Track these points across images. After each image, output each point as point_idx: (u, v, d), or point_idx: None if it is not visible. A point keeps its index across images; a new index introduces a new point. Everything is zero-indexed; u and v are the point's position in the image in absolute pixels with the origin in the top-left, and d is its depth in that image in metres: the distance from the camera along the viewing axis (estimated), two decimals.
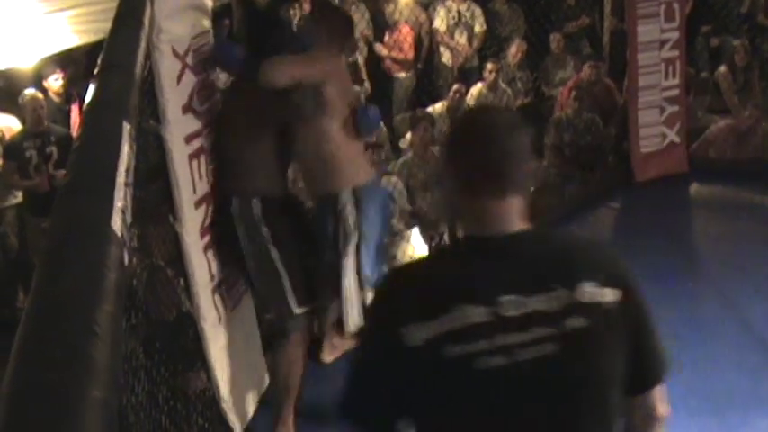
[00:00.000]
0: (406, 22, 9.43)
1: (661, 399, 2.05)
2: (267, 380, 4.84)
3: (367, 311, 1.94)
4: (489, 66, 8.84)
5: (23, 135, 6.99)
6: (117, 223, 1.80)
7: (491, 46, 9.69)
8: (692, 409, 4.42)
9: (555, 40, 9.34)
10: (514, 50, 9.39)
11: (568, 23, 9.71)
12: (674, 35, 8.01)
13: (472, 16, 9.56)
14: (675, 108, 8.16)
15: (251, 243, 4.36)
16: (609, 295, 1.88)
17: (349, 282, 4.47)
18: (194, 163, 4.12)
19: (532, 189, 1.95)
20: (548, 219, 7.13)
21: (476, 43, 9.61)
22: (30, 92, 7.05)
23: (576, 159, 8.28)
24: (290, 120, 4.41)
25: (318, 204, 4.61)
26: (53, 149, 6.87)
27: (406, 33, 9.40)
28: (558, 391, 1.85)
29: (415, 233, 6.86)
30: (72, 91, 7.73)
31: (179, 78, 4.01)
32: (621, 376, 1.92)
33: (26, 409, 1.22)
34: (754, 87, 8.78)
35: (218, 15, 4.49)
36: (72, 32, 5.36)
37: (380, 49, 9.42)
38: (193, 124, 4.16)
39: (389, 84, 9.49)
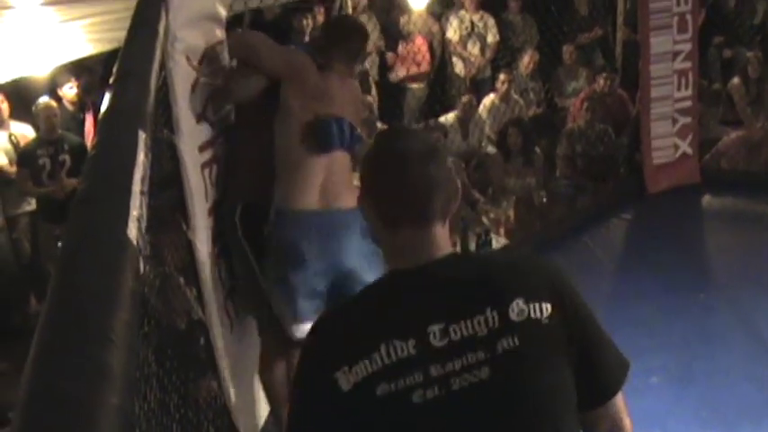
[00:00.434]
0: (419, 32, 9.45)
1: (623, 409, 1.97)
2: None
3: (300, 358, 1.87)
4: (502, 76, 8.86)
5: (37, 143, 7.05)
6: (133, 232, 1.80)
7: (504, 56, 9.71)
8: (703, 422, 4.42)
9: (567, 51, 9.35)
10: (527, 61, 9.41)
11: (581, 35, 9.71)
12: (687, 46, 8.02)
13: (485, 27, 9.58)
14: (688, 119, 8.16)
15: (234, 247, 4.31)
16: (540, 310, 1.82)
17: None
18: (206, 171, 4.13)
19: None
20: (559, 229, 7.13)
21: (489, 54, 9.63)
22: (44, 100, 7.10)
23: (589, 170, 8.29)
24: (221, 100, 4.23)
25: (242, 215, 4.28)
26: (66, 157, 6.93)
27: (419, 44, 9.42)
28: (499, 416, 1.80)
29: None
30: (86, 100, 7.78)
31: (193, 88, 4.02)
32: (571, 392, 1.86)
33: (43, 416, 1.23)
34: (767, 99, 8.77)
35: (229, 25, 4.49)
36: (87, 41, 5.38)
37: (393, 59, 9.43)
38: (207, 133, 4.17)
39: (401, 93, 9.50)
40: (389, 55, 9.44)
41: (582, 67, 9.49)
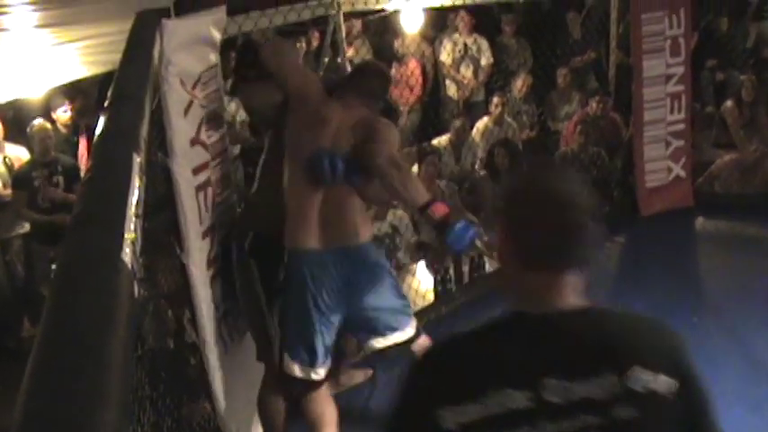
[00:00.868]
0: (413, 55, 9.48)
1: None
2: None
3: (400, 387, 1.79)
4: (495, 99, 8.87)
5: (32, 165, 7.05)
6: (127, 255, 1.81)
7: (498, 80, 9.73)
8: None
9: (561, 74, 9.35)
10: (520, 84, 9.42)
11: (575, 58, 9.73)
12: (680, 70, 8.04)
13: (479, 50, 9.61)
14: (681, 142, 8.17)
15: (240, 277, 4.35)
16: (664, 384, 1.78)
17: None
18: (201, 195, 4.13)
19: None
20: None
21: (482, 76, 9.66)
22: (38, 122, 7.12)
23: None
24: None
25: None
26: (60, 179, 6.93)
27: (413, 68, 9.44)
28: None
29: (421, 266, 6.87)
30: (80, 123, 7.78)
31: (186, 111, 4.03)
32: None
33: None
34: (761, 122, 8.78)
35: (222, 48, 4.52)
36: (81, 63, 5.39)
37: None
38: (201, 156, 4.17)
39: (394, 117, 9.49)
40: None
41: (575, 90, 9.50)
